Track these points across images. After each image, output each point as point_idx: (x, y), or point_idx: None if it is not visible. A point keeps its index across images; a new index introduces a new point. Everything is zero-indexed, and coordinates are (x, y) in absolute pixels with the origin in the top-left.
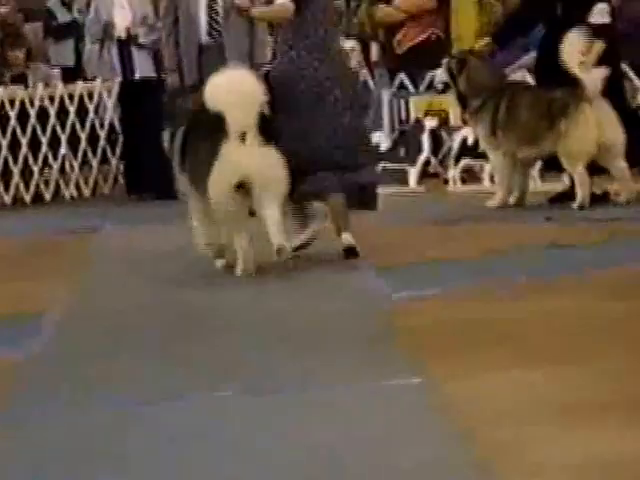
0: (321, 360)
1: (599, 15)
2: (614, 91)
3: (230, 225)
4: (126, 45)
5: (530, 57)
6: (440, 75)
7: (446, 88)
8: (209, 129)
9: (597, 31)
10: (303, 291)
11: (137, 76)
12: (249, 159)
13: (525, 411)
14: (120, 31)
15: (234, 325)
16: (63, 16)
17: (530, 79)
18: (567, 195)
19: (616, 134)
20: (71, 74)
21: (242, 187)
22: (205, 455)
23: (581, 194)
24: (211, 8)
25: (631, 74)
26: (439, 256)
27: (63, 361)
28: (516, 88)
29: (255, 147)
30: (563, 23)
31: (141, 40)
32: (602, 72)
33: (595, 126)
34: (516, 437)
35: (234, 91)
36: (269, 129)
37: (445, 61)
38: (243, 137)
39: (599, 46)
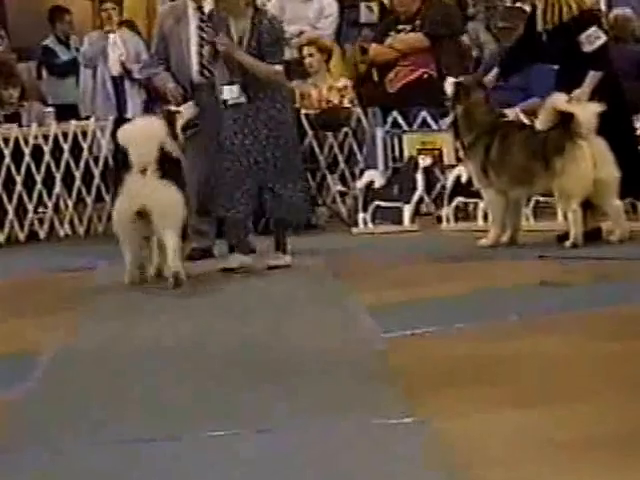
0: (312, 398)
1: (589, 43)
2: (619, 122)
3: (124, 244)
4: (120, 82)
5: (530, 102)
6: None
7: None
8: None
9: (592, 59)
10: (293, 329)
11: (129, 114)
12: (147, 190)
13: (518, 451)
14: (114, 68)
15: (225, 363)
16: (64, 54)
17: (524, 119)
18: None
19: (611, 172)
20: (73, 111)
21: (141, 215)
22: None
23: (574, 232)
24: (202, 47)
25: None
26: (432, 294)
27: (57, 401)
28: (509, 128)
29: (153, 180)
30: (549, 53)
31: (135, 75)
32: (597, 107)
33: (591, 163)
34: (509, 477)
35: (138, 131)
36: (172, 167)
37: (451, 82)
38: (144, 171)
39: (593, 76)
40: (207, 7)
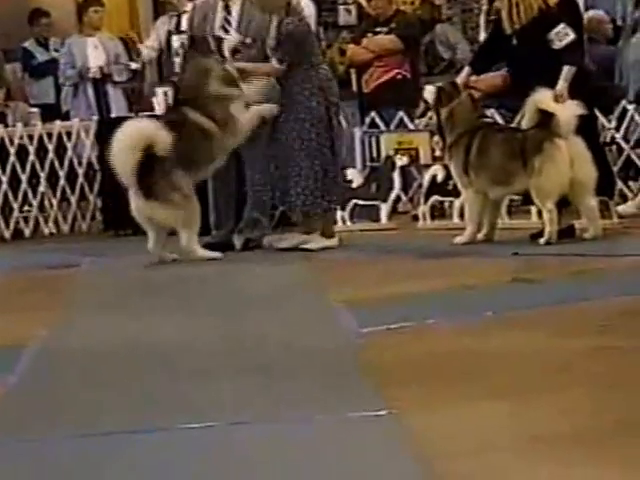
0: (288, 391)
1: (558, 40)
2: (586, 125)
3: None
4: (101, 84)
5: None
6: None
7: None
8: None
9: (564, 54)
10: (272, 323)
11: (113, 115)
12: (148, 210)
13: (489, 443)
14: (94, 71)
15: (204, 358)
16: (42, 55)
17: (499, 119)
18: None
19: (588, 171)
20: (52, 111)
21: None
22: None
23: (549, 230)
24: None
25: (597, 112)
26: (408, 290)
27: (40, 395)
28: (488, 129)
29: (143, 201)
30: (519, 55)
31: (116, 78)
32: (578, 109)
33: (568, 163)
34: (483, 469)
35: (116, 153)
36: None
37: (433, 88)
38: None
39: (568, 70)
40: (234, 7)
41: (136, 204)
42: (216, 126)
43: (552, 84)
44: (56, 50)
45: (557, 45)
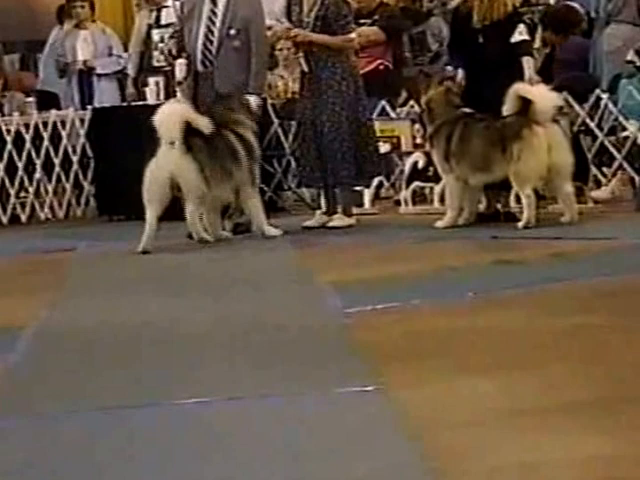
0: (280, 369)
1: (517, 34)
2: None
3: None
4: (86, 76)
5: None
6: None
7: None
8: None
9: (518, 48)
10: (262, 305)
11: (96, 105)
12: (174, 162)
13: (472, 417)
14: (78, 64)
15: (198, 337)
16: None
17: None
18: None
19: (565, 158)
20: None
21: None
22: (171, 461)
23: (527, 214)
24: (207, 38)
25: (571, 100)
26: (391, 272)
27: (40, 372)
28: (469, 119)
29: (178, 153)
30: (485, 51)
31: (99, 71)
32: (556, 99)
33: (546, 149)
34: (470, 442)
35: (164, 114)
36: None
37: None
38: (172, 144)
39: (527, 60)
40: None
41: (167, 158)
42: None
43: (513, 80)
44: None
45: (513, 39)
